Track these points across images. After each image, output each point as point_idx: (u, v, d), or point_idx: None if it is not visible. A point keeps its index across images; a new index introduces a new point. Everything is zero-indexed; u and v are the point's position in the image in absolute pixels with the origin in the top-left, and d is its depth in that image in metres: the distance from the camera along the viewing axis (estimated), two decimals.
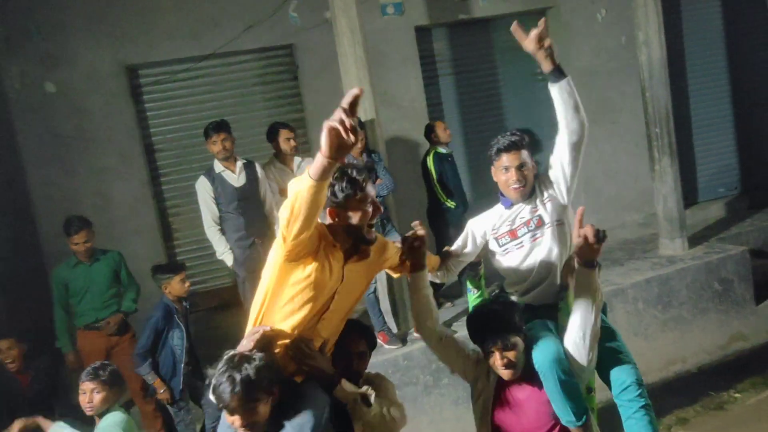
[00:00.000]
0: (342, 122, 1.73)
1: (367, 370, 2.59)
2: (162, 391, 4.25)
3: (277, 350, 2.22)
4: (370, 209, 2.23)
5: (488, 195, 6.40)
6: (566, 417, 2.39)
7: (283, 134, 4.95)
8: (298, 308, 2.18)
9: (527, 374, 2.44)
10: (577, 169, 2.79)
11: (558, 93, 2.68)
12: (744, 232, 6.55)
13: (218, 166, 4.69)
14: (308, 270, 2.14)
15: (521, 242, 2.79)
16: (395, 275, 2.80)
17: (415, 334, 4.89)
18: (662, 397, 5.22)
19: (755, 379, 5.18)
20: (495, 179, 2.85)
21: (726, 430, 4.62)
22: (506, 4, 6.55)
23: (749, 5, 7.49)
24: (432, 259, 2.80)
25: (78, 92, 5.62)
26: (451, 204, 5.38)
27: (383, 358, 4.75)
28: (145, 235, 5.79)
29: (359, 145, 4.86)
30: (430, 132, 5.66)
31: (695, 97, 7.38)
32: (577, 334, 2.43)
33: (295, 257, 2.07)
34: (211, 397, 2.10)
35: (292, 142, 4.94)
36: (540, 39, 2.61)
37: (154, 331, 4.24)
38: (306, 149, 6.03)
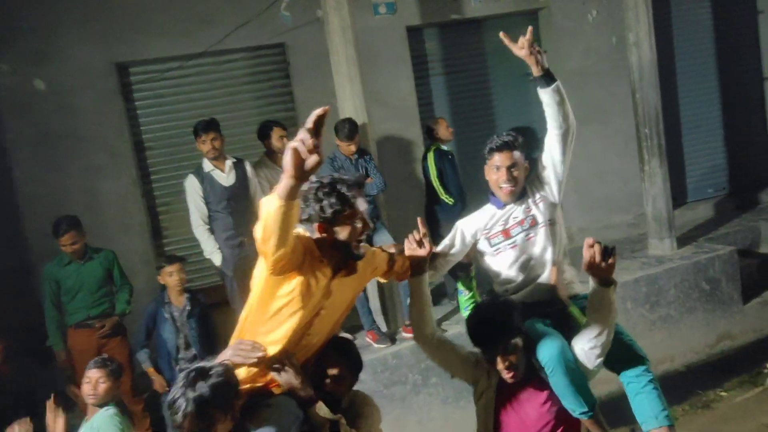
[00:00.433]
0: (303, 143, 1.73)
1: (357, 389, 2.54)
2: (154, 378, 4.35)
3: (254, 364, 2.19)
4: (360, 225, 2.20)
5: (479, 194, 6.44)
6: (580, 409, 2.42)
7: (277, 132, 4.96)
8: (283, 321, 2.16)
9: (528, 374, 2.46)
10: (567, 168, 2.84)
11: (548, 97, 2.73)
12: (732, 232, 6.60)
13: (207, 165, 4.67)
14: (293, 284, 2.11)
15: (514, 241, 2.82)
16: (383, 280, 2.79)
17: (405, 334, 4.91)
18: None
19: (742, 377, 5.24)
20: (487, 178, 2.88)
21: (713, 429, 4.67)
22: (498, 4, 6.57)
23: (738, 8, 7.55)
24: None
25: (67, 90, 5.58)
26: (450, 201, 5.40)
27: (372, 356, 4.75)
28: (135, 233, 5.77)
29: (353, 147, 4.87)
30: (431, 129, 5.67)
31: (684, 98, 7.43)
32: (588, 344, 2.46)
33: (279, 272, 2.05)
34: (166, 415, 2.04)
35: (285, 140, 4.94)
36: (529, 45, 2.67)
37: (145, 322, 4.41)
38: None
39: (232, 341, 2.25)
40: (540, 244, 2.81)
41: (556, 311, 2.76)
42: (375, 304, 5.03)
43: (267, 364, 2.20)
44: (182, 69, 5.91)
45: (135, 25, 5.68)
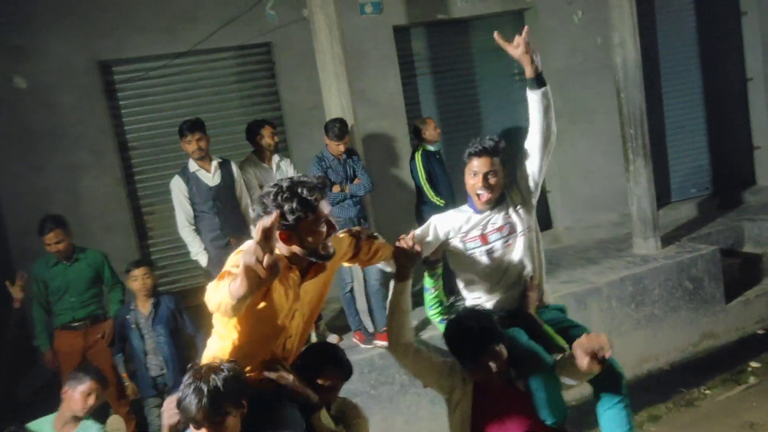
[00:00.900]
0: (259, 261, 1.63)
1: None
2: (126, 383, 4.34)
3: (249, 371, 2.16)
4: (325, 229, 2.09)
5: (465, 194, 6.43)
6: (551, 420, 2.42)
7: (268, 130, 4.95)
8: (263, 333, 2.12)
9: (506, 378, 2.45)
10: (544, 174, 2.84)
11: (537, 100, 2.70)
12: (714, 232, 6.67)
13: (193, 166, 4.63)
14: (266, 296, 2.05)
15: (492, 248, 2.79)
16: (349, 265, 2.73)
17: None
18: (635, 394, 5.25)
19: (725, 376, 5.29)
20: (465, 181, 2.85)
21: (696, 427, 4.71)
22: (484, 4, 6.58)
23: (722, 10, 7.63)
24: (387, 249, 2.74)
25: (49, 88, 5.50)
26: (440, 202, 5.37)
27: (359, 357, 4.74)
28: (118, 233, 5.70)
29: (341, 152, 4.85)
30: (418, 129, 5.65)
31: (668, 99, 7.49)
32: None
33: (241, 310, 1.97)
34: (173, 412, 2.04)
35: (276, 138, 5.02)
36: (525, 44, 2.61)
37: (117, 329, 4.38)
38: (283, 147, 5.98)
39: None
40: (518, 252, 2.79)
41: (528, 322, 2.73)
42: (362, 304, 5.01)
43: (261, 369, 2.19)
44: (166, 68, 5.85)
45: (118, 23, 5.61)
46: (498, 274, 2.81)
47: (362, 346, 4.89)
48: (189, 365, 2.10)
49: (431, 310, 2.95)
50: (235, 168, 4.80)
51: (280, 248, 2.10)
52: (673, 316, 5.69)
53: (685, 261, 5.74)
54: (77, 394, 3.18)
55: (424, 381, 2.62)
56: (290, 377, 2.18)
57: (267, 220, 1.66)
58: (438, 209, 5.40)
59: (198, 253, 4.62)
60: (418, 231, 2.86)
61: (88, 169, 5.65)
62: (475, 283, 2.86)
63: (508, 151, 2.82)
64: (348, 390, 4.39)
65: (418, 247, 2.57)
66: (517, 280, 2.80)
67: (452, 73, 6.75)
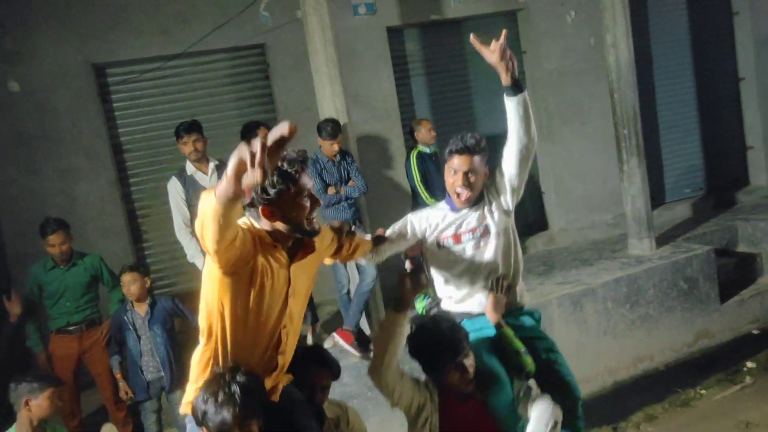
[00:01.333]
0: (252, 155, 1.54)
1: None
2: (120, 385, 4.31)
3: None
4: (308, 203, 2.05)
5: None
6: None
7: (263, 131, 4.93)
8: (259, 320, 2.06)
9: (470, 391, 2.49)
10: (524, 179, 2.79)
11: (514, 107, 2.62)
12: (709, 232, 6.69)
13: (190, 168, 4.61)
14: (254, 278, 1.99)
15: (464, 248, 2.79)
16: (330, 262, 2.68)
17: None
18: (631, 395, 5.31)
19: (720, 376, 5.30)
20: (445, 179, 2.84)
21: (692, 427, 4.71)
22: (477, 5, 6.59)
23: (714, 11, 7.66)
24: (365, 243, 2.72)
25: (43, 90, 5.49)
26: (434, 203, 5.36)
27: (355, 360, 4.72)
28: (113, 236, 5.68)
29: (336, 151, 4.85)
30: (413, 131, 5.65)
31: (662, 99, 7.51)
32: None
33: (231, 269, 1.91)
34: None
35: None
36: (501, 49, 2.53)
37: (113, 330, 4.36)
38: None
39: (198, 374, 2.12)
40: (490, 254, 2.77)
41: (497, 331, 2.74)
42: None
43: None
44: (161, 70, 5.84)
45: (112, 25, 5.60)
46: (469, 274, 2.79)
47: (346, 347, 4.84)
48: (204, 382, 2.04)
49: (418, 304, 3.02)
50: None
51: (263, 226, 2.05)
52: (668, 317, 5.70)
53: (680, 261, 5.75)
54: (43, 400, 3.18)
55: (396, 401, 2.53)
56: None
57: (285, 128, 1.55)
58: None
59: (194, 255, 4.60)
60: (395, 226, 2.86)
61: (82, 172, 5.63)
62: (448, 282, 2.85)
63: (489, 153, 2.79)
64: (345, 393, 4.39)
65: (423, 279, 2.50)
66: (485, 284, 2.79)
67: (446, 73, 6.75)
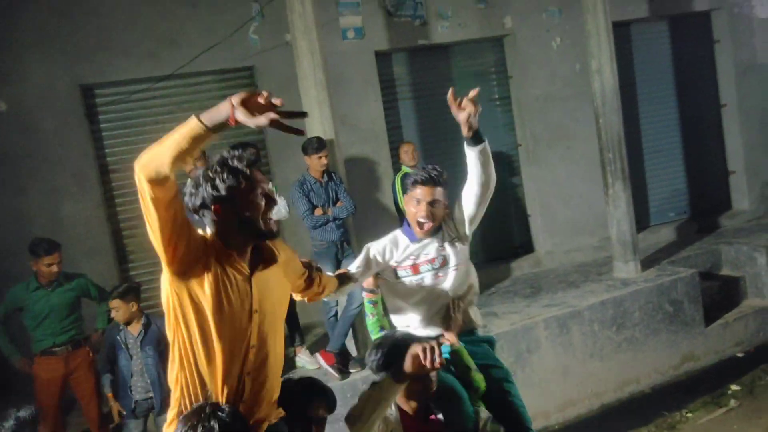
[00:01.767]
0: (265, 94, 1.67)
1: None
2: (111, 404, 4.25)
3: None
4: (263, 202, 1.97)
5: None
6: None
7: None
8: (220, 335, 1.92)
9: (429, 406, 2.51)
10: (482, 213, 2.85)
11: (474, 156, 2.69)
12: (693, 255, 6.75)
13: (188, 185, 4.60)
14: (206, 285, 1.89)
15: (422, 278, 2.81)
16: (299, 298, 2.57)
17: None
18: (617, 418, 5.31)
19: (705, 398, 5.32)
20: (405, 208, 2.87)
21: None
22: (464, 31, 6.69)
23: (696, 39, 7.83)
24: (332, 282, 2.68)
25: (29, 111, 5.47)
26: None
27: (343, 382, 4.70)
28: (99, 257, 5.64)
29: (323, 165, 4.87)
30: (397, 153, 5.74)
31: (646, 124, 7.63)
32: None
33: (179, 264, 1.83)
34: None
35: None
36: (473, 107, 2.58)
37: (106, 349, 4.31)
38: (266, 170, 5.98)
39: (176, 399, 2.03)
40: (448, 284, 2.81)
41: (453, 357, 2.74)
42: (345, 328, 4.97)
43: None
44: (149, 91, 5.85)
45: (101, 47, 5.62)
46: (427, 303, 2.82)
47: (326, 366, 4.81)
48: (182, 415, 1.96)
49: (375, 335, 2.96)
50: None
51: (217, 228, 1.99)
52: (653, 339, 5.72)
53: (665, 284, 5.80)
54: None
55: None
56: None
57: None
58: None
59: None
60: (358, 262, 2.85)
61: (69, 192, 5.60)
62: (406, 311, 2.87)
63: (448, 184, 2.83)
64: (332, 414, 4.32)
65: (438, 361, 2.29)
66: (442, 313, 2.81)
67: (433, 97, 6.81)
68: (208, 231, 2.00)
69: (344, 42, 6.27)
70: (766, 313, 6.31)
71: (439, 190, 2.77)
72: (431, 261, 2.80)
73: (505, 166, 7.05)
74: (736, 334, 6.15)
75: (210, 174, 1.95)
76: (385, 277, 2.87)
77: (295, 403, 2.32)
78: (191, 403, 1.99)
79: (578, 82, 6.88)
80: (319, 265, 2.60)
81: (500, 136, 7.06)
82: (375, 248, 2.87)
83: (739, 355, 6.07)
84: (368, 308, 2.97)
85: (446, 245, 2.82)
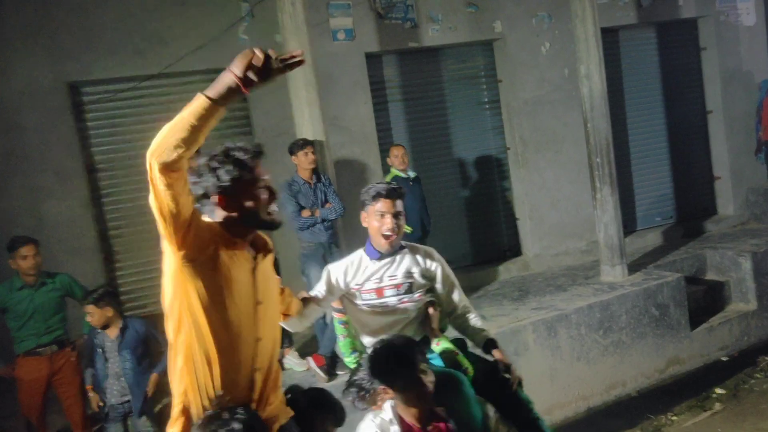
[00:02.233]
0: (263, 52, 1.65)
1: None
2: (90, 396, 4.24)
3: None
4: (265, 195, 2.02)
5: (435, 221, 6.46)
6: None
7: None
8: (229, 327, 1.92)
9: (436, 416, 2.46)
10: None
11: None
12: (679, 260, 6.80)
13: None
14: (216, 270, 1.89)
15: (386, 302, 2.79)
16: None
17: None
18: (603, 421, 5.33)
19: (690, 402, 5.35)
20: (365, 224, 2.84)
21: None
22: (455, 34, 6.70)
23: (682, 46, 7.91)
24: (295, 304, 2.63)
25: (13, 107, 5.39)
26: (407, 229, 5.37)
27: (333, 383, 4.67)
28: (84, 257, 5.57)
29: (311, 161, 4.85)
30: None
31: (633, 129, 7.69)
32: None
33: (189, 249, 1.82)
34: None
35: None
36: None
37: (87, 352, 4.31)
38: None
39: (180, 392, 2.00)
40: (415, 305, 2.82)
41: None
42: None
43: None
44: (136, 89, 5.80)
45: (87, 44, 5.55)
46: (397, 325, 2.81)
47: (316, 369, 4.79)
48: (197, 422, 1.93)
49: (347, 358, 2.94)
50: None
51: (219, 217, 2.00)
52: (640, 343, 5.76)
53: (652, 288, 5.84)
54: None
55: None
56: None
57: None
58: (406, 237, 5.41)
59: None
60: (320, 286, 2.82)
61: (52, 191, 5.52)
62: (375, 332, 2.84)
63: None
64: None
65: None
66: (410, 333, 2.80)
67: (423, 100, 6.83)
68: (208, 220, 2.00)
69: (334, 43, 6.26)
70: (751, 318, 6.38)
71: (399, 202, 2.78)
72: (397, 286, 2.79)
73: (494, 169, 7.07)
74: (721, 338, 6.21)
75: (214, 164, 1.96)
76: (350, 299, 2.84)
77: (302, 416, 2.28)
78: (198, 400, 1.97)
79: (567, 86, 6.92)
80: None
81: (489, 139, 7.08)
82: (335, 271, 2.84)
83: (724, 359, 6.13)
84: (338, 329, 2.91)
85: (415, 274, 2.82)
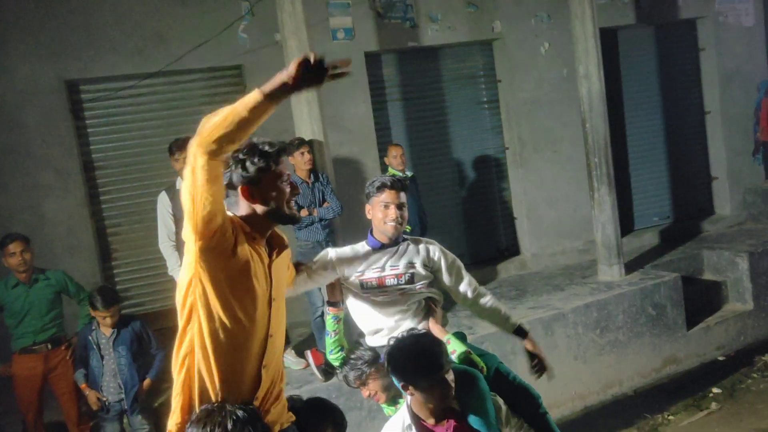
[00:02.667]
0: (319, 55, 1.73)
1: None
2: (87, 393, 4.24)
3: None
4: (288, 189, 2.07)
5: (433, 220, 6.47)
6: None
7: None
8: (242, 318, 1.91)
9: (449, 410, 2.46)
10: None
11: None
12: (676, 260, 6.82)
13: (179, 183, 4.60)
14: (239, 255, 1.89)
15: (387, 292, 2.82)
16: None
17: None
18: (600, 420, 5.35)
19: (687, 401, 5.37)
20: (369, 216, 2.88)
21: None
22: (454, 33, 6.71)
23: (681, 47, 7.92)
24: (290, 270, 2.64)
25: (12, 105, 5.40)
26: (407, 228, 5.39)
27: (329, 383, 4.69)
28: (82, 255, 5.57)
29: (308, 161, 4.87)
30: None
31: (631, 130, 7.70)
32: None
33: (210, 239, 1.82)
34: None
35: None
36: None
37: (79, 350, 4.31)
38: None
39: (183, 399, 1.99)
40: (416, 296, 2.85)
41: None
42: None
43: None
44: (136, 88, 5.80)
45: (86, 42, 5.56)
46: (399, 314, 2.84)
47: (313, 366, 4.80)
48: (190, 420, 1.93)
49: (332, 355, 2.94)
50: None
51: (240, 212, 2.04)
52: (636, 342, 5.78)
53: (648, 287, 5.85)
54: None
55: None
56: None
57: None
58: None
59: (173, 268, 4.58)
60: (317, 261, 2.84)
61: (52, 189, 5.53)
62: (375, 319, 2.88)
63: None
64: None
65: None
66: (410, 325, 2.81)
67: (422, 99, 6.84)
68: (229, 213, 2.02)
69: (334, 42, 6.27)
70: (747, 318, 6.40)
71: (403, 194, 2.85)
72: (398, 276, 2.82)
73: (492, 169, 7.08)
74: (718, 337, 6.23)
75: (240, 156, 2.00)
76: (352, 288, 2.86)
77: (303, 424, 2.28)
78: (200, 392, 1.96)
79: (565, 86, 6.93)
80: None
81: (488, 139, 7.10)
82: (336, 252, 2.88)
83: (720, 358, 6.15)
84: (330, 325, 2.90)
85: (418, 266, 2.84)
